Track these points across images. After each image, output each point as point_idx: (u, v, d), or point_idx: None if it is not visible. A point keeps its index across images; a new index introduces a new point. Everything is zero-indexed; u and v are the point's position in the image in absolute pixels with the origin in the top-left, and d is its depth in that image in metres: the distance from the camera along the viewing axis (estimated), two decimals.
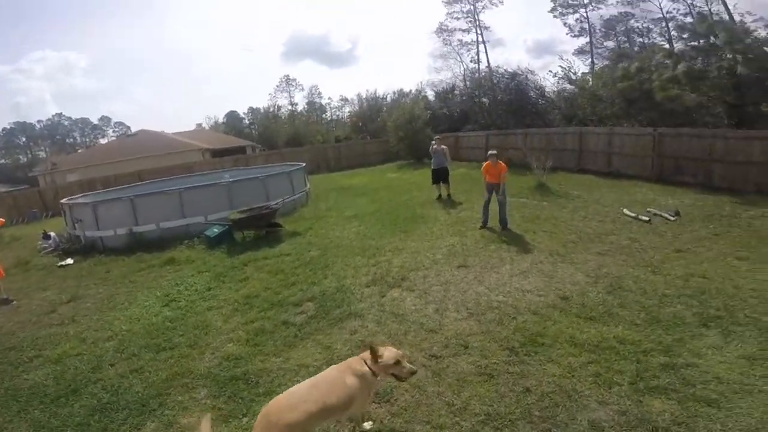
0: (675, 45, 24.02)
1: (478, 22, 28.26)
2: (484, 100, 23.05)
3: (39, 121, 61.86)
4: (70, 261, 7.89)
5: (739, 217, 6.85)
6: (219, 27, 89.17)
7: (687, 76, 12.56)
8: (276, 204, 8.00)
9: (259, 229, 7.51)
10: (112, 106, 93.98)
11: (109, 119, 65.42)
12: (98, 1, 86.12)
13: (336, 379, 2.26)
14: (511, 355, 3.27)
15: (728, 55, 12.52)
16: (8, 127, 58.38)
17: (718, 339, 3.29)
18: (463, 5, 28.30)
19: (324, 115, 50.55)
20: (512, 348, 3.36)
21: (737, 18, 18.69)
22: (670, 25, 26.73)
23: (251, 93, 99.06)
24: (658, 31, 28.68)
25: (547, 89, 21.00)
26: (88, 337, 4.46)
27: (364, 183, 14.23)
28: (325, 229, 7.78)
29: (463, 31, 28.78)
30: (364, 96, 31.66)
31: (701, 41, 13.95)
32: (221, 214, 8.31)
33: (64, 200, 9.85)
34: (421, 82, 39.04)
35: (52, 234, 9.25)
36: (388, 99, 32.60)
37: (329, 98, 51.80)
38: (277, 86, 51.27)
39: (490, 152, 7.13)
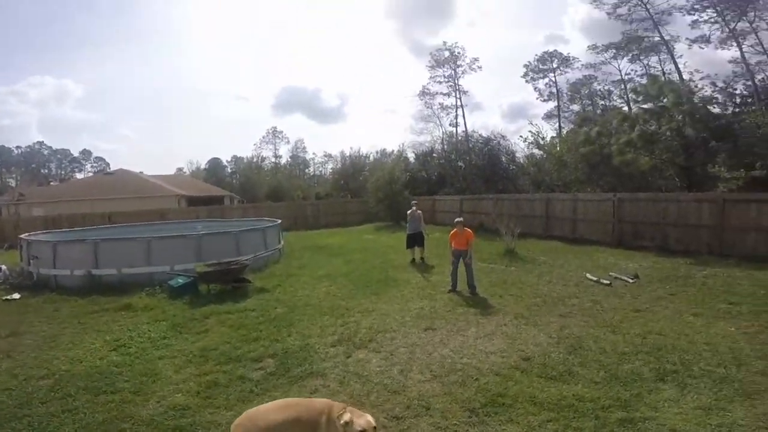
0: (632, 107, 26.31)
1: (458, 87, 30.51)
2: (460, 164, 24.24)
3: (18, 147, 60.63)
4: (16, 296, 7.52)
5: (693, 277, 7.54)
6: (215, 72, 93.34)
7: (641, 139, 13.30)
8: (246, 260, 7.96)
9: (226, 283, 7.37)
10: (97, 140, 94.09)
11: (89, 153, 64.97)
12: (104, 34, 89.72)
13: (311, 405, 2.44)
14: (471, 416, 3.29)
15: (678, 117, 13.43)
16: None
17: (675, 392, 3.49)
18: (444, 70, 30.72)
19: (307, 170, 51.78)
20: (473, 409, 3.39)
21: (687, 77, 20.20)
22: (628, 86, 29.10)
23: (237, 141, 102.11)
24: (617, 93, 31.59)
25: (517, 154, 22.32)
26: (21, 374, 4.25)
27: (341, 243, 14.37)
28: (295, 288, 7.72)
29: (444, 94, 30.94)
30: (348, 154, 32.66)
31: (654, 103, 14.77)
32: (188, 265, 8.16)
33: (23, 235, 9.48)
34: (403, 144, 41.26)
35: (3, 267, 8.77)
36: (371, 158, 33.78)
37: (314, 153, 53.90)
38: (264, 137, 53.13)
39: (456, 220, 7.57)
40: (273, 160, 50.68)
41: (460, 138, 27.71)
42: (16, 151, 59.82)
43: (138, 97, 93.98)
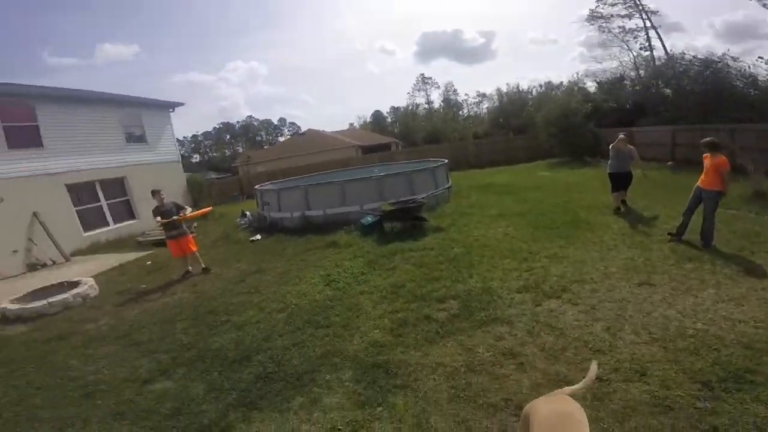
0: None
1: (641, 6, 22.68)
2: (667, 91, 18.56)
3: (237, 122, 79.34)
4: (258, 237, 9.65)
5: None
6: (364, 32, 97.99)
7: None
8: (423, 198, 8.30)
9: (406, 221, 7.89)
10: (286, 108, 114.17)
11: (285, 120, 79.42)
12: (272, 20, 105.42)
13: None
14: (703, 389, 2.67)
15: None
16: (217, 126, 76.75)
17: None
18: None
19: (461, 112, 49.85)
20: (707, 382, 2.73)
21: None
22: None
23: (394, 91, 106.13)
24: None
25: (760, 78, 15.62)
26: (266, 307, 5.13)
27: (509, 181, 13.44)
28: (469, 227, 7.64)
29: (623, 17, 23.35)
30: (505, 90, 29.72)
31: None
32: (374, 205, 9.10)
33: (257, 186, 12.29)
34: (577, 73, 33.93)
35: (248, 213, 11.65)
36: (534, 92, 29.85)
37: (466, 94, 50.81)
38: (414, 85, 53.25)
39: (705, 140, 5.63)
40: (426, 106, 50.65)
41: (661, 62, 20.76)
42: (236, 125, 78.35)
43: (309, 66, 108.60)
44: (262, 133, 79.13)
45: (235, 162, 37.65)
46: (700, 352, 3.09)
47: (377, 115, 54.46)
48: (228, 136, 76.73)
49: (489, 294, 4.59)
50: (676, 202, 7.24)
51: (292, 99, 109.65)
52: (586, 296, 4.26)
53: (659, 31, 22.84)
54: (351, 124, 55.38)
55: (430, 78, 54.01)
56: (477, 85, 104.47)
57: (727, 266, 4.63)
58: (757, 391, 2.60)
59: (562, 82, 29.47)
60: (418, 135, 33.88)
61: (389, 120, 53.17)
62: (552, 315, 3.96)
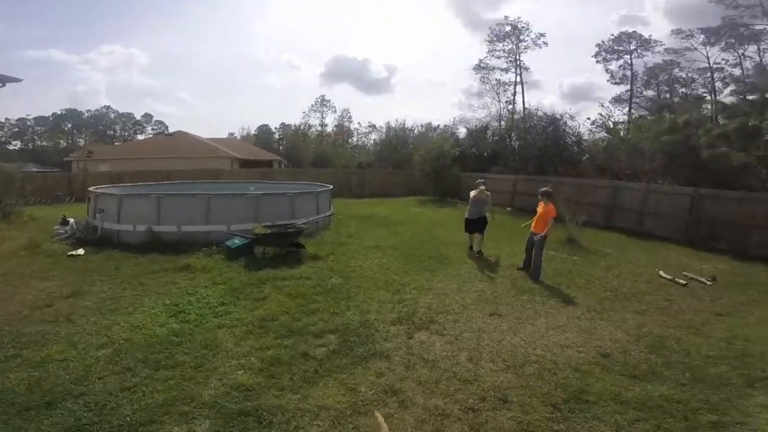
0: (719, 97, 23.42)
1: (519, 62, 27.84)
2: (517, 142, 22.58)
3: (88, 110, 65.16)
4: (80, 251, 7.68)
5: None
6: (271, 42, 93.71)
7: (738, 133, 11.86)
8: (303, 224, 7.82)
9: (282, 247, 7.27)
10: (158, 104, 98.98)
11: (150, 116, 68.49)
12: (171, 4, 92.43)
13: None
14: (554, 412, 3.09)
15: None
16: (59, 112, 61.56)
17: (766, 399, 3.34)
18: (505, 44, 28.15)
19: (351, 140, 51.43)
20: (555, 404, 3.18)
21: None
22: (716, 75, 26.55)
23: (287, 108, 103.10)
24: (702, 81, 28.36)
25: (584, 137, 20.43)
26: (80, 342, 4.03)
27: (386, 214, 14.01)
28: (347, 257, 7.50)
29: (502, 70, 28.29)
30: (393, 125, 31.93)
31: (759, 95, 13.08)
32: (245, 226, 8.13)
33: (92, 188, 9.87)
34: (454, 118, 39.26)
35: (71, 220, 9.18)
36: (416, 131, 32.79)
37: (358, 123, 52.80)
38: (312, 105, 52.98)
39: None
40: (319, 128, 50.79)
41: (519, 115, 25.64)
42: (86, 114, 64.30)
43: (197, 64, 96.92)
44: (117, 127, 66.68)
45: (69, 155, 30.36)
46: (543, 376, 3.62)
47: (264, 130, 51.84)
48: (70, 125, 62.14)
49: (367, 327, 4.45)
50: (515, 242, 8.87)
51: (167, 95, 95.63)
52: (450, 327, 4.62)
53: (524, 86, 28.18)
54: (231, 134, 51.21)
55: (329, 101, 54.16)
56: (371, 115, 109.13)
57: (551, 298, 5.76)
58: (594, 410, 3.12)
59: (439, 125, 33.12)
60: (306, 157, 33.31)
61: (276, 137, 51.17)
62: (423, 347, 4.10)
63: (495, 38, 28.49)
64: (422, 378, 3.51)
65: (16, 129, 58.35)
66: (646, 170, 15.16)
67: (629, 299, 5.84)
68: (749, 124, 12.34)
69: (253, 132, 50.08)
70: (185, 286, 5.78)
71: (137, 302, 5.15)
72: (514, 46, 27.85)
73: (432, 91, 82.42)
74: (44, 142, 57.81)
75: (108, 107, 66.74)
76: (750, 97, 14.17)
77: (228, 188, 12.84)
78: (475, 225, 8.27)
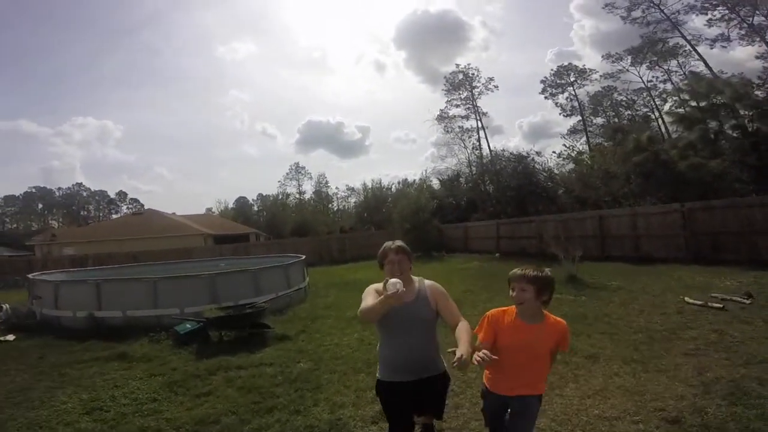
0: (663, 112, 24.89)
1: (476, 108, 29.85)
2: (490, 187, 22.69)
3: (59, 189, 63.82)
4: (10, 337, 6.87)
5: None
6: (239, 111, 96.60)
7: (702, 141, 11.89)
8: (263, 303, 6.82)
9: (242, 329, 6.20)
10: (135, 180, 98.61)
11: (125, 194, 67.60)
12: (142, 78, 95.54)
13: None
14: None
15: (743, 112, 11.97)
16: (29, 190, 60.01)
17: None
18: (461, 92, 30.12)
19: (330, 205, 51.42)
20: None
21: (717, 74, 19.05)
22: (653, 93, 28.59)
23: (264, 178, 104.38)
24: (641, 101, 30.67)
25: (555, 171, 20.60)
26: None
27: (369, 278, 12.95)
28: (321, 333, 6.43)
29: (463, 117, 30.09)
30: (370, 186, 32.10)
31: (704, 102, 13.44)
32: (201, 308, 7.10)
33: (30, 275, 8.86)
34: (425, 171, 40.06)
35: (5, 306, 8.10)
36: (393, 189, 33.04)
37: (336, 188, 53.16)
38: (287, 174, 53.53)
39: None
40: (297, 196, 50.88)
41: (486, 159, 26.39)
42: (57, 193, 63.06)
43: (173, 137, 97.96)
44: (91, 207, 65.28)
45: (33, 239, 28.72)
46: None
47: (242, 202, 51.71)
48: (41, 205, 60.50)
49: (339, 429, 3.34)
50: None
51: (146, 170, 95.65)
52: (452, 415, 3.40)
53: (487, 131, 29.65)
54: (208, 209, 50.61)
55: (304, 167, 54.92)
56: (350, 178, 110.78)
57: (574, 354, 4.47)
58: None
59: (415, 180, 33.60)
60: (286, 226, 32.68)
61: (255, 208, 50.75)
62: None
63: (451, 87, 30.74)
64: None
65: None
66: (624, 194, 14.98)
67: (669, 339, 4.84)
68: (708, 129, 12.40)
69: (231, 206, 49.83)
70: (115, 378, 4.72)
71: (49, 395, 4.21)
72: (469, 93, 30.12)
73: (404, 147, 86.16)
74: (14, 224, 55.61)
75: (80, 185, 65.95)
76: (699, 104, 14.31)
77: (196, 267, 11.84)
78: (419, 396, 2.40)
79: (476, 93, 29.96)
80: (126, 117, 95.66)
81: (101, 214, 63.23)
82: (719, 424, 2.87)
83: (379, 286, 2.20)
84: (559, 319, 2.16)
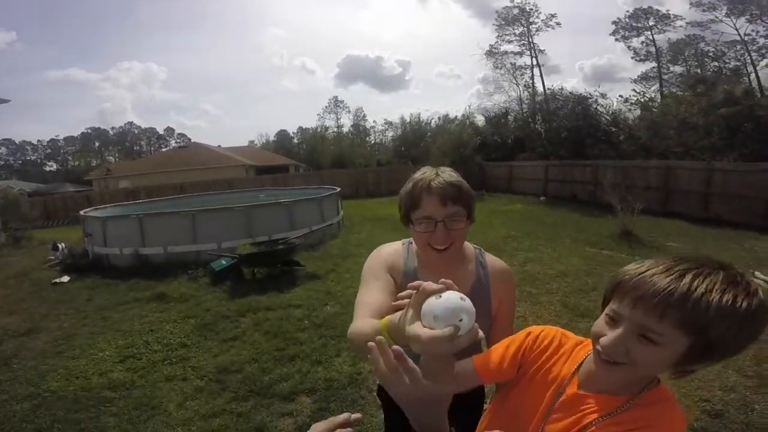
0: (758, 69, 21.21)
1: (532, 44, 26.68)
2: (541, 126, 20.92)
3: (113, 128, 67.75)
4: (65, 278, 7.03)
5: None
6: (278, 47, 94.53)
7: None
8: (295, 239, 6.69)
9: (273, 266, 6.19)
10: (182, 117, 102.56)
11: (173, 130, 70.38)
12: (180, 20, 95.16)
13: None
14: None
15: None
16: (86, 131, 64.33)
17: None
18: (515, 28, 26.77)
19: (368, 138, 50.47)
20: None
21: None
22: (749, 48, 24.14)
23: (305, 112, 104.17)
24: (733, 54, 25.95)
25: (620, 117, 18.50)
26: (6, 391, 3.41)
27: None
28: (351, 273, 6.29)
29: (516, 54, 27.21)
30: (408, 120, 30.71)
31: None
32: (237, 242, 7.19)
33: (82, 212, 9.26)
34: (469, 106, 37.44)
35: (61, 245, 8.60)
36: (433, 124, 31.45)
37: (374, 121, 51.79)
38: (326, 107, 52.43)
39: None
40: (335, 129, 50.06)
41: (540, 98, 23.92)
42: (111, 132, 66.74)
43: (217, 75, 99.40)
44: (143, 143, 68.88)
45: (90, 174, 30.98)
46: None
47: (282, 135, 51.86)
48: (97, 144, 64.85)
49: (357, 386, 3.21)
50: (556, 240, 7.87)
51: (191, 108, 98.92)
52: None
53: (542, 70, 26.67)
54: (251, 142, 51.51)
55: (343, 101, 53.59)
56: (389, 113, 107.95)
57: None
58: None
59: (456, 116, 31.62)
60: (324, 158, 32.67)
61: (295, 141, 50.96)
62: None
63: (503, 22, 27.14)
64: None
65: (49, 150, 61.34)
66: (700, 147, 13.30)
67: None
68: None
69: (272, 138, 50.15)
70: (151, 320, 4.87)
71: (91, 341, 4.35)
72: (525, 29, 26.51)
73: (448, 83, 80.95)
74: (76, 162, 60.49)
75: (131, 123, 69.34)
76: None
77: (236, 198, 12.04)
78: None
79: (534, 29, 26.52)
80: (168, 59, 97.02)
81: (152, 149, 66.64)
82: (765, 425, 2.52)
83: (393, 255, 1.26)
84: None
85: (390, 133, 45.86)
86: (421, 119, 30.27)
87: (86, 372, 3.65)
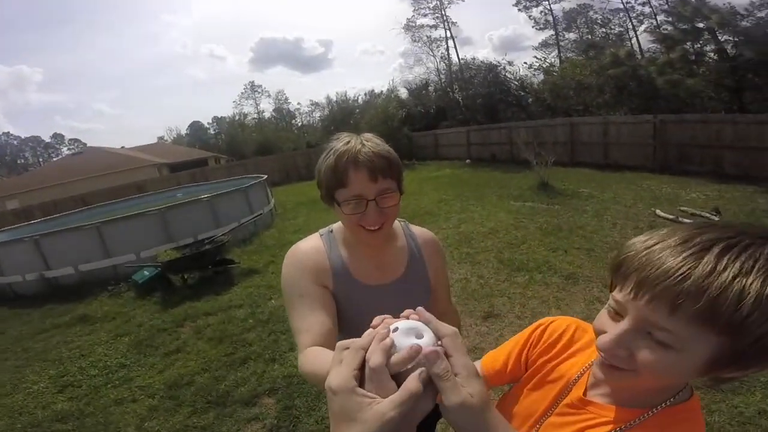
0: (638, 34, 24.61)
1: (445, 18, 28.05)
2: (459, 95, 22.33)
3: None
4: None
5: None
6: (188, 34, 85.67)
7: (683, 60, 12.16)
8: (223, 236, 6.31)
9: (204, 269, 5.81)
10: (71, 120, 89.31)
11: (62, 136, 61.24)
12: (48, 13, 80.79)
13: None
14: None
15: (726, 38, 12.41)
16: None
17: None
18: (429, 1, 28.06)
19: (294, 121, 48.56)
20: None
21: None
22: (631, 14, 27.66)
23: (219, 101, 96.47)
24: (617, 21, 29.79)
25: (526, 82, 20.42)
26: None
27: None
28: None
29: (431, 26, 28.55)
30: (334, 99, 30.32)
31: (689, 25, 13.80)
32: (158, 249, 6.57)
33: None
34: (392, 80, 38.13)
35: None
36: (360, 100, 31.46)
37: (298, 103, 49.68)
38: (242, 94, 49.11)
39: None
40: (255, 115, 47.18)
41: (455, 68, 25.52)
42: None
43: (106, 72, 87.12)
44: (27, 154, 59.11)
45: None
46: None
47: (196, 127, 47.82)
48: None
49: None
50: (484, 199, 8.42)
51: (81, 109, 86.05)
52: None
53: (456, 41, 28.20)
54: (160, 138, 46.66)
55: (260, 86, 50.34)
56: (314, 93, 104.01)
57: (553, 273, 4.45)
58: None
59: (382, 91, 32.10)
60: (248, 147, 30.93)
61: (211, 131, 47.24)
62: None
63: None
64: None
65: None
66: (596, 104, 15.35)
67: None
68: (688, 51, 13.18)
69: (184, 132, 46.01)
70: (80, 345, 4.40)
71: (19, 377, 3.91)
72: (438, 2, 27.86)
73: (372, 60, 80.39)
74: None
75: (8, 134, 59.05)
76: (681, 27, 14.87)
77: (149, 202, 10.96)
78: None
79: (446, 2, 27.88)
80: (43, 59, 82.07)
81: (40, 160, 57.45)
82: None
83: (313, 254, 1.13)
84: None
85: (317, 114, 44.54)
86: (348, 97, 30.05)
87: (27, 407, 3.35)
